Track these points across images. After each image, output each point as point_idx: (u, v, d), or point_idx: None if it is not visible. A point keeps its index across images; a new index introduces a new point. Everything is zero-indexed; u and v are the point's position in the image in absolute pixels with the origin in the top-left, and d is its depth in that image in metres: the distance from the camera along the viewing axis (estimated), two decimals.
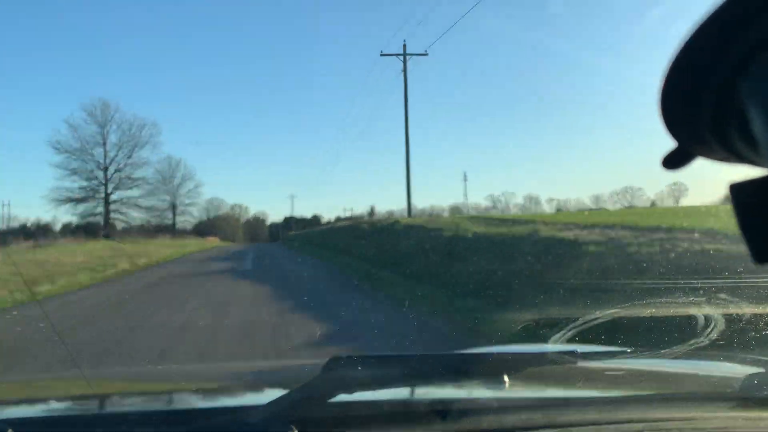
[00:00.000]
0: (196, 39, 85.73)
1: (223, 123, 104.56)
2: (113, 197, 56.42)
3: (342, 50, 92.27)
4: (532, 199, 70.82)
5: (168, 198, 70.65)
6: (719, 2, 0.43)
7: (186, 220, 74.22)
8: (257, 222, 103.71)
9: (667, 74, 0.49)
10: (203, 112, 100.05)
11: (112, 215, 56.34)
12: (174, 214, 71.98)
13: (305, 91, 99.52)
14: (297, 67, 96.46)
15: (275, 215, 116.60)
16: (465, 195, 76.37)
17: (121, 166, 56.47)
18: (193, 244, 46.83)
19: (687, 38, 0.46)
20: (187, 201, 72.85)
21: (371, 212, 50.05)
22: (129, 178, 57.05)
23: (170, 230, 64.55)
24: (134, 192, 57.78)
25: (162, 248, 33.59)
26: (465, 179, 69.83)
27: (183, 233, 66.39)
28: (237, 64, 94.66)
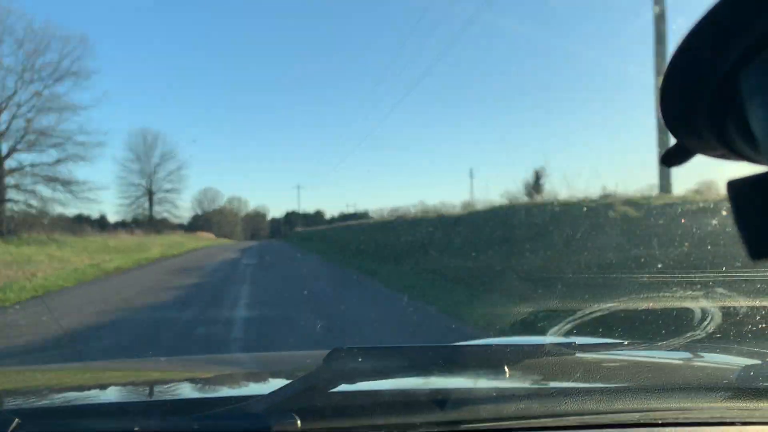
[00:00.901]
0: (187, 14, 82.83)
1: (219, 108, 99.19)
2: (10, 163, 30.46)
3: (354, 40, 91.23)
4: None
5: (142, 182, 54.97)
6: (718, 0, 0.44)
7: (167, 210, 59.05)
8: (257, 217, 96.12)
9: (666, 71, 0.49)
10: (196, 95, 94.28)
11: (14, 196, 31.01)
12: (150, 203, 55.43)
13: (310, 79, 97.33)
14: (300, 49, 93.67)
15: (275, 210, 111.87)
16: (471, 191, 75.90)
17: (22, 109, 30.04)
18: (158, 246, 30.86)
19: (686, 36, 0.46)
20: (167, 186, 56.84)
21: (536, 185, 23.77)
22: (37, 132, 30.31)
23: (144, 224, 50.35)
24: (50, 155, 31.36)
25: (78, 256, 19.66)
26: (471, 176, 68.92)
27: (165, 227, 53.67)
28: (233, 42, 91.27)
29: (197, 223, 76.73)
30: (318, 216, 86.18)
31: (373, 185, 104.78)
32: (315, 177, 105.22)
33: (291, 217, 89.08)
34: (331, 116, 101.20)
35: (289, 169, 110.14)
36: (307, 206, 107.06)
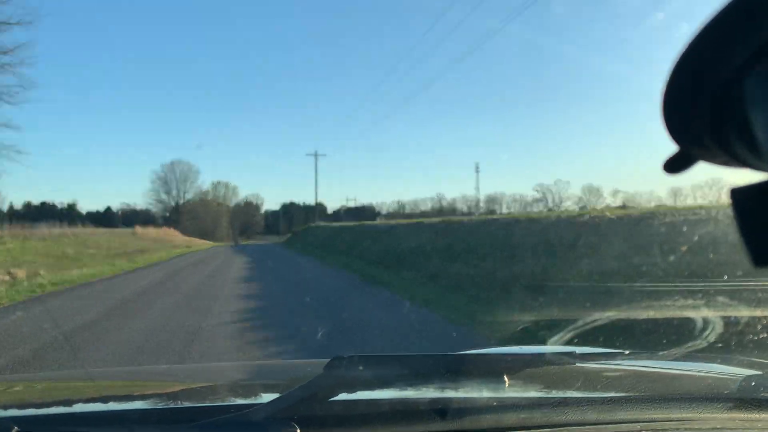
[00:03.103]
0: None
1: (208, 83, 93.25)
2: None
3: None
4: (593, 191, 59.76)
5: None
6: (721, 8, 0.44)
7: None
8: (249, 208, 76.17)
9: (668, 78, 0.49)
10: (185, 69, 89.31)
11: None
12: None
13: (318, 66, 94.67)
14: (308, 38, 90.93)
15: (270, 201, 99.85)
16: (477, 187, 75.67)
17: None
18: None
19: (688, 43, 0.46)
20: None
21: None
22: None
23: None
24: None
25: None
26: (477, 170, 68.44)
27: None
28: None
29: (163, 215, 55.56)
30: (319, 209, 73.31)
31: (368, 178, 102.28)
32: (313, 169, 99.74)
33: (289, 210, 75.17)
34: (332, 107, 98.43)
35: (286, 160, 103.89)
36: (305, 198, 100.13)
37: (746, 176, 0.51)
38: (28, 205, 57.07)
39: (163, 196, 61.16)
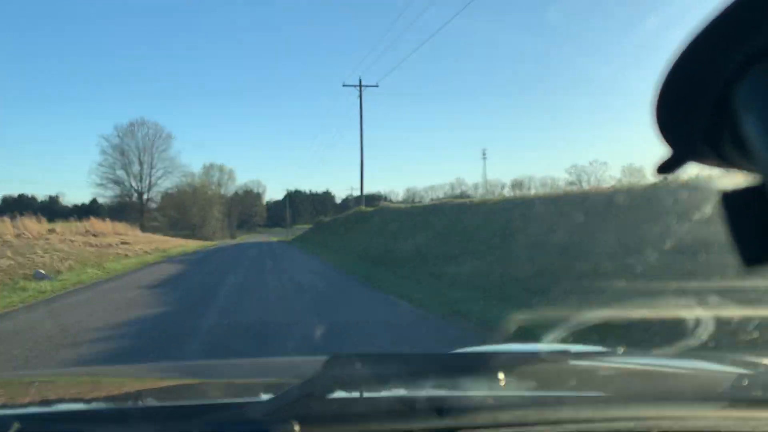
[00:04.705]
0: None
1: (206, 67, 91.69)
2: None
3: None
4: (634, 172, 52.43)
5: None
6: (714, 14, 0.44)
7: None
8: (249, 198, 65.30)
9: (661, 84, 0.49)
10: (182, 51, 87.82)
11: None
12: None
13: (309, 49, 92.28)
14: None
15: (272, 190, 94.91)
16: (484, 173, 75.13)
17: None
18: None
19: (681, 49, 0.47)
20: None
21: None
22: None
23: None
24: None
25: None
26: (484, 157, 67.60)
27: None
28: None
29: (114, 203, 37.58)
30: (326, 197, 67.45)
31: (377, 167, 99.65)
32: (315, 156, 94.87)
33: (295, 199, 64.68)
34: (333, 93, 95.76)
35: (285, 148, 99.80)
36: (311, 186, 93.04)
37: (736, 178, 0.51)
38: (5, 198, 53.13)
39: (120, 173, 42.62)
